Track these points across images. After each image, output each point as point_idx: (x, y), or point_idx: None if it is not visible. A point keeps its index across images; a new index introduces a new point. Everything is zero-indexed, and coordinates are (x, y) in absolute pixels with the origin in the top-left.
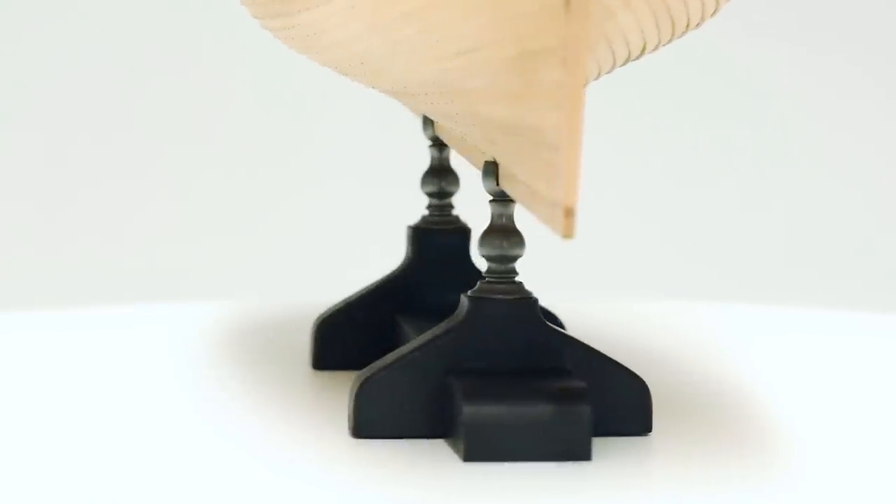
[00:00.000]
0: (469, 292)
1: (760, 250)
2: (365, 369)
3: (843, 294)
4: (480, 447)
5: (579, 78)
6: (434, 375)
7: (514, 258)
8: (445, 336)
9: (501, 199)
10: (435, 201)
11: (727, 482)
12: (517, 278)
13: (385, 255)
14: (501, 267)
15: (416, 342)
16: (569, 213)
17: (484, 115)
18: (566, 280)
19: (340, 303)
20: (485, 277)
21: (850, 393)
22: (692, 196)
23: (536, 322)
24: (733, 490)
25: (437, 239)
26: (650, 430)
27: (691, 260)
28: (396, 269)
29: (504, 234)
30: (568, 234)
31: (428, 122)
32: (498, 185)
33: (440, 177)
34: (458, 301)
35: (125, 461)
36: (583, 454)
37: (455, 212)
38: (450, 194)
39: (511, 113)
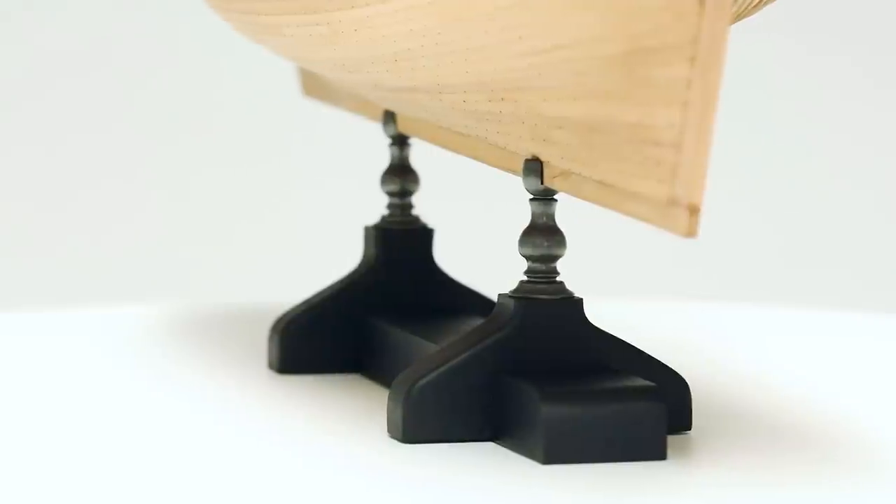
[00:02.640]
0: (509, 293)
1: (760, 251)
2: (407, 373)
3: (843, 294)
4: (560, 448)
5: (714, 75)
6: (484, 377)
7: (557, 258)
8: (495, 337)
9: (544, 197)
10: (396, 200)
11: (808, 481)
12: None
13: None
14: (543, 267)
15: (459, 344)
16: (694, 211)
17: (547, 112)
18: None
19: (304, 305)
20: (525, 277)
21: (862, 393)
22: None
23: (582, 322)
24: (816, 489)
25: (401, 239)
26: (690, 428)
27: (692, 260)
28: (360, 271)
29: (547, 233)
30: (692, 232)
31: (390, 120)
32: (543, 183)
33: (402, 175)
34: (428, 302)
35: (141, 470)
36: (659, 453)
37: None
38: (410, 193)
39: (597, 111)
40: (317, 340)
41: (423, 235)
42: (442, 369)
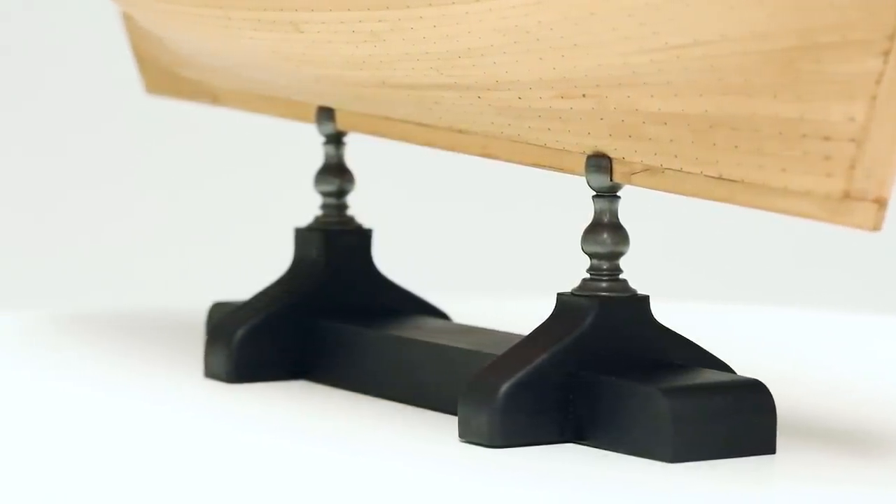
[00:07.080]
0: (573, 291)
1: (758, 250)
2: (482, 377)
3: (844, 294)
4: (686, 446)
5: None
6: (561, 378)
7: (621, 255)
8: (573, 336)
9: (609, 194)
10: (332, 201)
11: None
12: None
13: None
14: (607, 264)
15: (532, 345)
16: (883, 204)
17: (648, 109)
18: (560, 280)
19: (249, 311)
20: (588, 275)
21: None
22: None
23: (650, 319)
24: None
25: (341, 240)
26: None
27: (690, 260)
28: (302, 273)
29: (611, 230)
30: (877, 226)
31: (326, 118)
32: (612, 179)
33: (338, 175)
34: (372, 304)
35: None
36: (769, 447)
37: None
38: (346, 193)
39: (730, 107)
40: (267, 348)
41: (362, 236)
42: (525, 371)
